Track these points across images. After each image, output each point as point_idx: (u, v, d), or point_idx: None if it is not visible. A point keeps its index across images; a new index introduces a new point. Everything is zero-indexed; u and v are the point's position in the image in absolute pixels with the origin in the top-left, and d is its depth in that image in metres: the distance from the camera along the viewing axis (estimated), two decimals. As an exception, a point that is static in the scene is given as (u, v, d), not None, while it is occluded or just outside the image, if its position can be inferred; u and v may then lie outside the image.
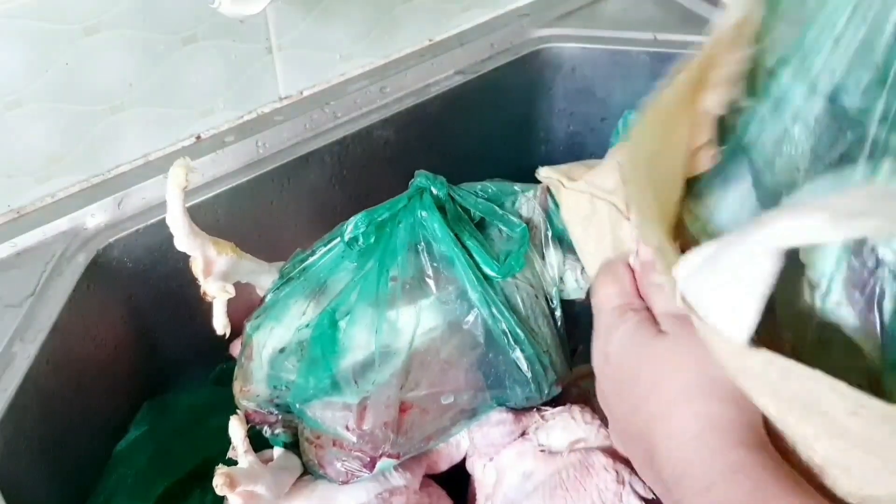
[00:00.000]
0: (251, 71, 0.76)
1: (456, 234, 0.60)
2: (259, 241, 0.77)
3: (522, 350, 0.59)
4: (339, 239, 0.63)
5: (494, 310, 0.59)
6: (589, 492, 0.56)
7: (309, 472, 0.61)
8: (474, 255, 0.60)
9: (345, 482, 0.59)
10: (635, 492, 0.56)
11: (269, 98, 0.79)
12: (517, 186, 0.67)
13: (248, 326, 0.63)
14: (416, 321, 0.59)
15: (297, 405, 0.59)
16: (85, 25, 0.64)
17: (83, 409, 0.67)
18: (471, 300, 0.59)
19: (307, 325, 0.60)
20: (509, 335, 0.59)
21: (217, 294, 0.59)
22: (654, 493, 0.54)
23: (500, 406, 0.61)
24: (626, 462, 0.59)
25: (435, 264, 0.60)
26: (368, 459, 0.58)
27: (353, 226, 0.62)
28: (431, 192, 0.62)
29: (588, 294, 0.65)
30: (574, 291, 0.65)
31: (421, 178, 0.63)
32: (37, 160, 0.68)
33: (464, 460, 0.64)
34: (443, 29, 0.87)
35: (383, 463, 0.58)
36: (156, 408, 0.74)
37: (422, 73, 0.84)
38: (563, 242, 0.65)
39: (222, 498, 0.63)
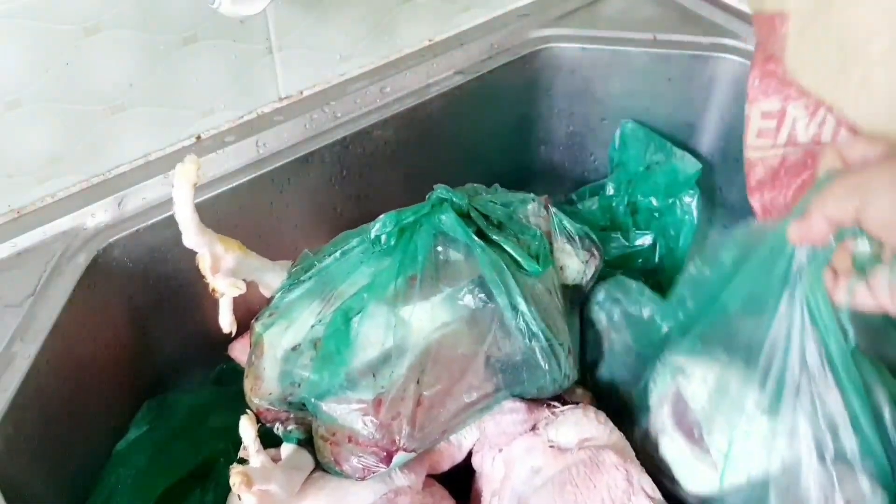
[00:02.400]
0: (251, 71, 0.76)
1: (480, 231, 0.63)
2: (259, 241, 0.76)
3: (538, 342, 0.60)
4: (355, 241, 0.64)
5: (514, 303, 0.60)
6: (599, 489, 0.56)
7: (322, 470, 0.61)
8: (511, 251, 0.63)
9: (361, 478, 0.59)
10: (644, 491, 0.56)
11: (269, 98, 0.79)
12: (520, 196, 0.70)
13: (257, 326, 0.63)
14: (433, 317, 0.59)
15: (313, 400, 0.59)
16: (85, 25, 0.64)
17: (83, 409, 0.67)
18: (489, 294, 0.60)
19: (320, 322, 0.60)
20: (526, 328, 0.60)
21: (227, 290, 0.59)
22: (661, 494, 0.55)
23: (514, 397, 0.62)
24: (636, 461, 0.59)
25: (454, 260, 0.61)
26: (385, 454, 0.58)
27: (380, 224, 0.63)
28: (453, 201, 0.63)
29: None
30: (576, 275, 0.68)
31: (441, 191, 0.64)
32: (37, 160, 0.68)
33: (465, 459, 0.64)
34: (443, 29, 0.87)
35: (399, 457, 0.58)
36: (156, 408, 0.74)
37: (422, 73, 0.84)
38: (565, 237, 0.69)
39: (223, 498, 0.63)
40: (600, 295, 0.71)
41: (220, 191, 0.73)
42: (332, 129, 0.79)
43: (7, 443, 0.57)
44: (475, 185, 0.71)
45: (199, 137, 0.76)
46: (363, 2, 0.79)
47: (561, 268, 0.68)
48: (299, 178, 0.77)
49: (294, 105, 0.80)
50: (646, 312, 0.68)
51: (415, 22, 0.84)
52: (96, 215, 0.70)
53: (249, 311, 0.66)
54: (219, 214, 0.73)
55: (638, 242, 0.86)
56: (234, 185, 0.74)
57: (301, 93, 0.81)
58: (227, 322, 0.61)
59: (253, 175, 0.75)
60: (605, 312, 0.70)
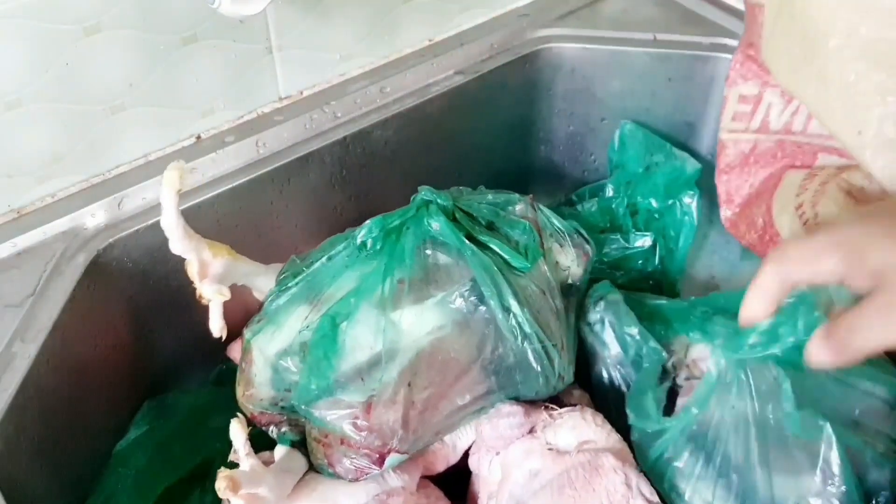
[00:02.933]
0: (251, 71, 0.76)
1: (469, 234, 0.62)
2: (259, 241, 0.77)
3: (531, 344, 0.60)
4: (341, 246, 0.64)
5: (506, 304, 0.60)
6: (597, 492, 0.56)
7: (315, 472, 0.61)
8: (499, 250, 0.62)
9: (355, 480, 0.59)
10: (642, 494, 0.56)
11: (269, 98, 0.79)
12: (505, 196, 0.70)
13: (246, 333, 0.63)
14: (424, 320, 0.59)
15: (303, 406, 0.59)
16: (85, 25, 0.64)
17: (83, 409, 0.67)
18: (481, 297, 0.60)
19: (308, 328, 0.60)
20: (519, 329, 0.60)
21: (212, 297, 0.59)
22: (659, 498, 0.55)
23: (510, 400, 0.62)
24: (634, 465, 0.59)
25: (443, 264, 0.61)
26: (377, 456, 0.58)
27: (366, 229, 0.63)
28: (438, 202, 0.63)
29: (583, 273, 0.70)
30: (566, 273, 0.68)
31: (425, 192, 0.64)
32: (37, 160, 0.68)
33: (460, 461, 0.64)
34: (443, 29, 0.87)
35: (392, 459, 0.58)
36: (156, 408, 0.74)
37: (422, 73, 0.84)
38: (555, 235, 0.68)
39: (222, 498, 0.63)
40: (593, 316, 0.70)
41: (220, 191, 0.73)
42: (332, 129, 0.79)
43: (7, 443, 0.57)
44: (460, 187, 0.71)
45: (199, 137, 0.76)
46: (363, 2, 0.79)
47: (555, 263, 0.68)
48: (299, 178, 0.77)
49: (294, 105, 0.80)
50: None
51: (415, 22, 0.84)
52: (96, 215, 0.70)
53: (248, 314, 0.66)
54: (219, 214, 0.73)
55: (637, 244, 0.86)
56: (234, 185, 0.74)
57: (301, 93, 0.81)
58: (217, 327, 0.61)
59: (253, 175, 0.75)
60: (595, 334, 0.69)
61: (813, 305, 0.60)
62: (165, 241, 0.70)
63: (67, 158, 0.69)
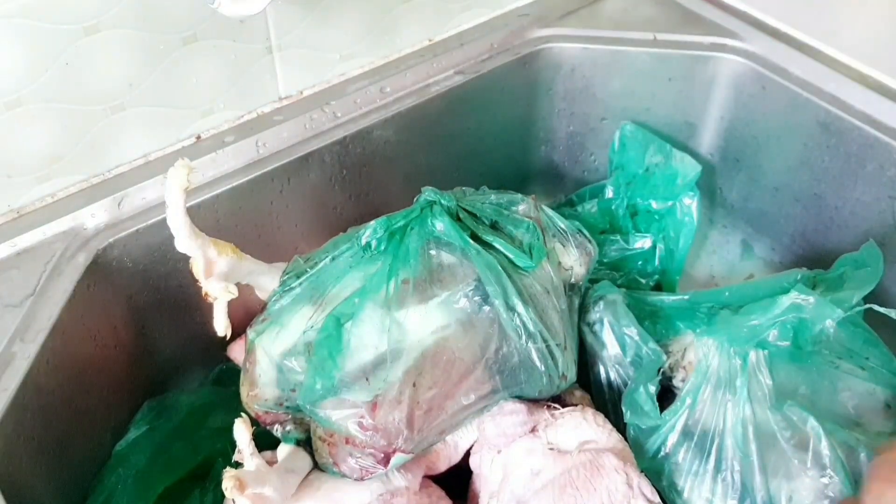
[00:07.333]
0: (251, 71, 0.76)
1: (473, 234, 0.62)
2: (259, 241, 0.77)
3: (535, 343, 0.60)
4: (345, 246, 0.64)
5: (511, 304, 0.60)
6: (598, 492, 0.56)
7: (319, 471, 0.62)
8: (503, 249, 0.62)
9: (360, 479, 0.59)
10: (643, 494, 0.56)
11: (269, 98, 0.79)
12: (508, 196, 0.70)
13: (250, 332, 0.63)
14: (429, 320, 0.59)
15: (308, 406, 0.59)
16: (85, 25, 0.64)
17: (83, 409, 0.67)
18: (485, 296, 0.60)
19: (312, 328, 0.60)
20: (523, 328, 0.60)
21: (219, 295, 0.59)
22: (659, 496, 0.55)
23: (513, 398, 0.62)
24: (635, 465, 0.59)
25: (448, 264, 0.61)
26: (382, 455, 0.58)
27: (371, 230, 0.63)
28: (441, 203, 0.63)
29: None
30: (569, 273, 0.69)
31: (428, 193, 0.64)
32: (37, 160, 0.68)
33: (461, 460, 0.64)
34: (443, 29, 0.87)
35: (397, 458, 0.58)
36: (156, 408, 0.74)
37: (422, 73, 0.84)
38: (558, 235, 0.69)
39: (222, 498, 0.63)
40: (593, 316, 0.70)
41: (220, 191, 0.73)
42: (332, 129, 0.79)
43: (7, 443, 0.57)
44: (463, 187, 0.71)
45: (199, 137, 0.76)
46: (363, 2, 0.79)
47: (558, 264, 0.68)
48: (299, 178, 0.77)
49: (294, 105, 0.80)
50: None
51: (415, 22, 0.84)
52: (96, 215, 0.70)
53: (248, 314, 0.66)
54: (219, 214, 0.73)
55: (637, 245, 0.86)
56: (234, 185, 0.74)
57: (301, 93, 0.81)
58: (221, 326, 0.61)
59: (253, 175, 0.75)
60: (595, 334, 0.70)
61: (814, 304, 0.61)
62: (165, 240, 0.70)
63: (67, 158, 0.69)
